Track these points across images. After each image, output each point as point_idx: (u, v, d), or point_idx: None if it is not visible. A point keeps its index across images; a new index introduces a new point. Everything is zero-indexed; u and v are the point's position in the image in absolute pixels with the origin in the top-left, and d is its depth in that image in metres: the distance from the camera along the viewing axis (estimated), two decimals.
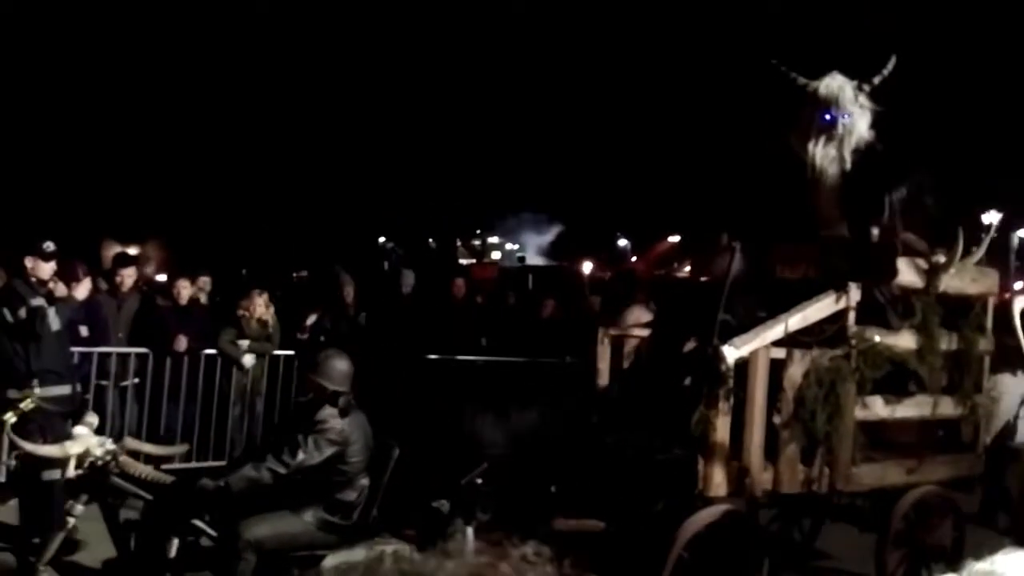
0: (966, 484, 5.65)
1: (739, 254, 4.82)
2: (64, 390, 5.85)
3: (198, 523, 3.84)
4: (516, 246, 37.22)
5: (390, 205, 32.38)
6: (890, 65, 5.17)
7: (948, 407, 5.42)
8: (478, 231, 39.78)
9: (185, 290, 7.51)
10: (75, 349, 6.31)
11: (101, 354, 6.70)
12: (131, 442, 3.96)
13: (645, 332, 5.47)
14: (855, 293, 5.06)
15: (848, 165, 5.14)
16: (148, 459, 3.98)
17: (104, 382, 6.70)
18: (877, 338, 5.07)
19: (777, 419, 4.83)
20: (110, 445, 3.75)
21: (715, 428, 4.57)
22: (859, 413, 5.05)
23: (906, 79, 5.26)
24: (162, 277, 9.81)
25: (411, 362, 7.11)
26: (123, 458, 3.70)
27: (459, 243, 37.50)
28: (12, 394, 5.05)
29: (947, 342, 5.36)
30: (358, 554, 4.13)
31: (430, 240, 34.55)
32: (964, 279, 5.46)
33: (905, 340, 5.23)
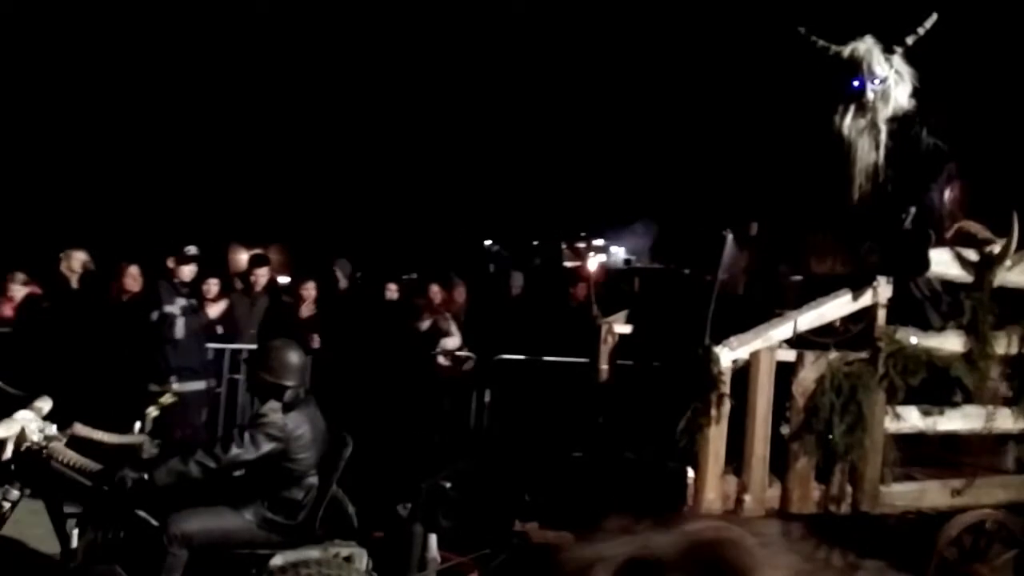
0: None
1: (731, 245, 4.31)
2: (200, 385, 6.23)
3: (141, 514, 3.76)
4: (620, 248, 36.47)
5: (495, 208, 32.52)
6: (928, 23, 4.49)
7: (1006, 420, 4.69)
8: (582, 233, 39.27)
9: (307, 291, 7.69)
10: (210, 345, 6.64)
11: (233, 350, 6.97)
12: (81, 428, 3.90)
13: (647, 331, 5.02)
14: (885, 288, 4.44)
15: (884, 136, 4.52)
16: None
17: (236, 376, 6.95)
18: (913, 340, 4.44)
19: (785, 430, 4.30)
20: (51, 431, 3.72)
21: (707, 438, 4.11)
22: (889, 425, 4.43)
23: (954, 45, 4.56)
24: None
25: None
26: (54, 444, 3.65)
27: (564, 246, 37.14)
28: (153, 388, 5.35)
29: (1004, 345, 4.63)
30: (310, 554, 3.95)
31: (535, 243, 34.37)
32: None
33: (950, 343, 4.56)
